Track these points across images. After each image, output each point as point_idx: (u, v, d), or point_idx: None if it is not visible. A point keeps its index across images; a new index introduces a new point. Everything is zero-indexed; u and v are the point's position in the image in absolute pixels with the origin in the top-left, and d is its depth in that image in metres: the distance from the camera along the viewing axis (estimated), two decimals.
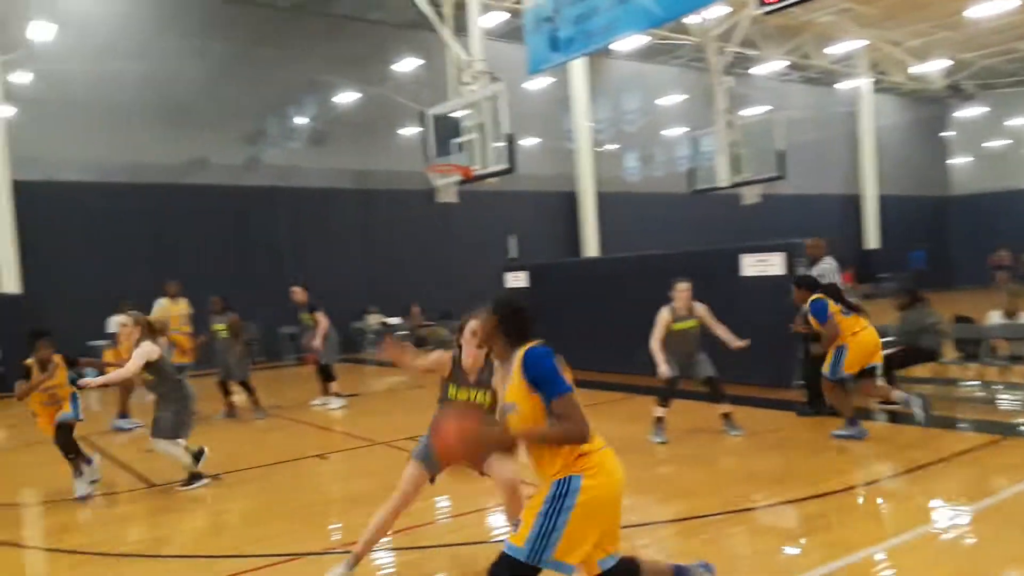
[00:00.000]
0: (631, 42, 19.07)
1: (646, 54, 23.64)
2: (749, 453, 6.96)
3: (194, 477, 6.64)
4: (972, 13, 19.61)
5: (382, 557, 4.62)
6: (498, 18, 17.83)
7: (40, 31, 15.33)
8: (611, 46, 17.14)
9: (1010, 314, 8.93)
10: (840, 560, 4.20)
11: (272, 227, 18.03)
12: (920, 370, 8.87)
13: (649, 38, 19.58)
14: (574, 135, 22.85)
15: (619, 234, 22.35)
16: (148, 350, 6.49)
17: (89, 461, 6.66)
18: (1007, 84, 28.50)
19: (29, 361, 6.54)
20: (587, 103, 22.74)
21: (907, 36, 23.08)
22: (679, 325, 7.56)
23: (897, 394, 7.22)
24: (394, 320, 18.58)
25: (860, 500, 5.52)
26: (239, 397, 10.40)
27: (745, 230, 18.81)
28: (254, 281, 16.46)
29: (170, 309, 10.70)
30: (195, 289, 11.36)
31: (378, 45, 19.82)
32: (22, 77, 15.44)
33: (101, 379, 6.84)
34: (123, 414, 9.90)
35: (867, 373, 7.21)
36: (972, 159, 33.21)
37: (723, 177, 19.49)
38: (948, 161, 34.13)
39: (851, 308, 7.21)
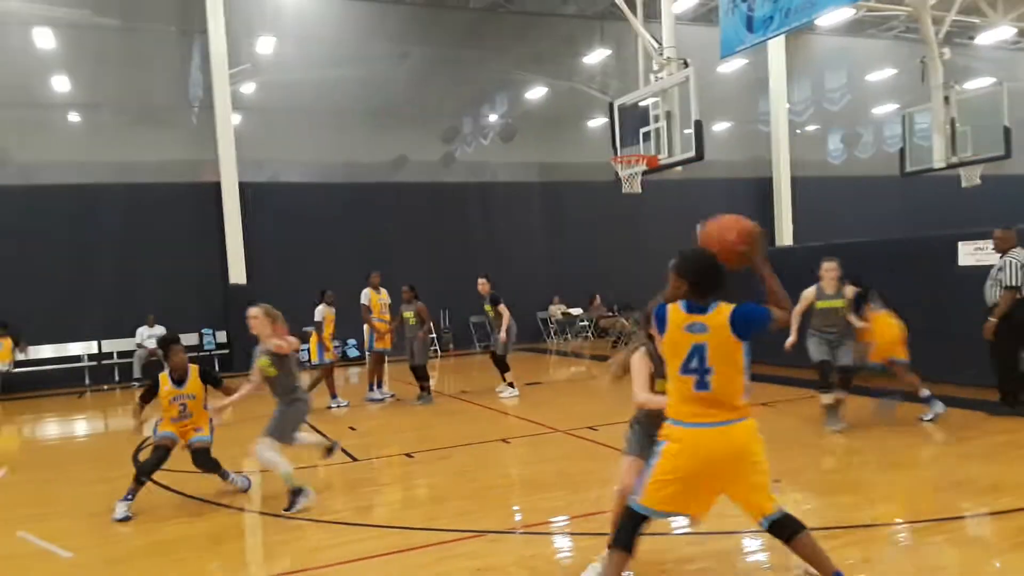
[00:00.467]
0: (835, 16, 17.83)
1: (852, 28, 22.04)
2: (954, 457, 6.35)
3: (296, 493, 5.81)
4: None
5: (560, 541, 4.72)
6: (690, 1, 17.40)
7: (263, 45, 17.15)
8: (814, 22, 16.14)
9: None
10: None
11: (464, 221, 18.81)
12: None
13: (856, 10, 18.23)
14: (770, 118, 21.80)
15: (817, 221, 21.05)
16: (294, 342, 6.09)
17: (225, 476, 6.36)
18: None
19: (162, 375, 6.20)
20: (785, 83, 21.61)
21: None
22: (823, 303, 7.51)
23: None
24: (575, 311, 18.77)
25: None
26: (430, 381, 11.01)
27: (964, 215, 17.05)
28: (448, 273, 17.26)
29: (374, 298, 11.49)
30: (396, 280, 12.09)
31: (568, 38, 20.04)
32: (249, 87, 17.25)
33: (230, 399, 6.12)
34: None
35: None
36: None
37: (939, 157, 17.75)
38: None
39: None
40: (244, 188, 16.64)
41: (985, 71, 22.16)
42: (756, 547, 4.46)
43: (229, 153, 16.47)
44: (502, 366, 11.08)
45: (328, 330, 10.80)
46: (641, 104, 14.42)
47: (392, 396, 11.18)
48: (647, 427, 3.89)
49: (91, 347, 15.72)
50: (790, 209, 21.73)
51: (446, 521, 5.28)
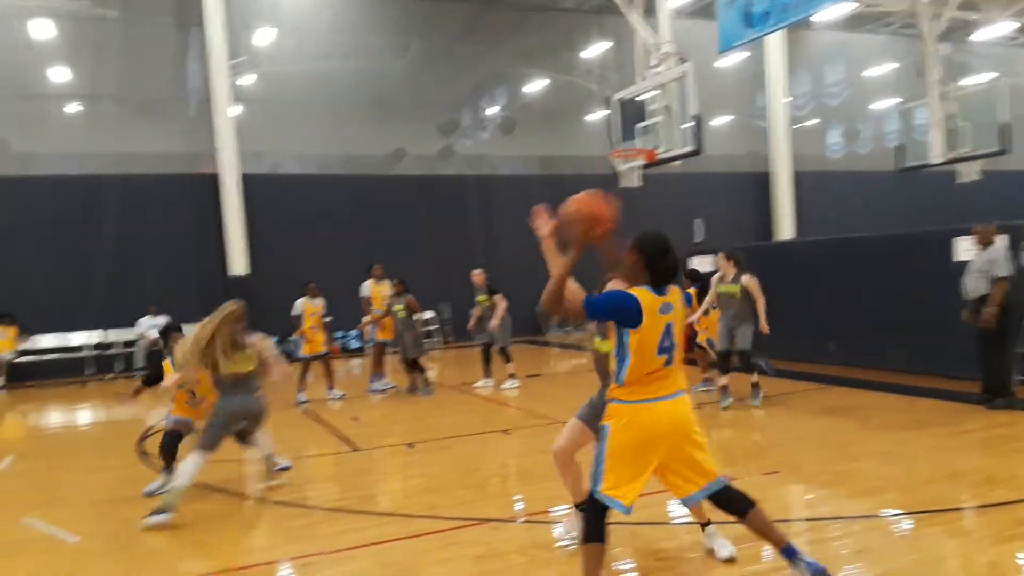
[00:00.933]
0: (833, 11, 17.87)
1: (851, 23, 22.06)
2: (949, 450, 6.43)
3: (161, 511, 5.27)
4: None
5: (560, 529, 4.79)
6: None
7: (263, 37, 17.16)
8: (812, 17, 16.19)
9: None
10: None
11: (463, 214, 18.85)
12: None
13: (855, 5, 18.26)
14: (768, 112, 21.85)
15: (817, 216, 21.15)
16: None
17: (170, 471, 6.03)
18: None
19: (166, 363, 6.33)
20: (784, 78, 21.65)
21: None
22: (723, 288, 8.46)
23: None
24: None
25: None
26: (429, 373, 11.07)
27: (961, 211, 17.15)
28: (447, 265, 17.30)
29: (375, 291, 11.53)
30: (394, 272, 12.13)
31: (566, 33, 20.05)
32: (248, 79, 17.25)
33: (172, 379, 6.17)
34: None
35: None
36: None
37: (937, 153, 17.88)
38: None
39: None
40: (245, 180, 16.65)
41: (984, 67, 22.23)
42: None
43: (228, 145, 16.48)
44: (504, 356, 11.10)
45: (308, 323, 10.68)
46: (639, 98, 14.49)
47: (394, 387, 11.25)
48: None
49: (93, 337, 15.77)
50: (791, 203, 21.80)
51: (447, 509, 5.36)
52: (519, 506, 5.63)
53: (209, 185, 16.58)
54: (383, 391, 11.15)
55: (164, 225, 16.22)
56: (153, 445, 8.13)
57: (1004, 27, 21.19)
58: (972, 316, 7.50)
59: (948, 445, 6.62)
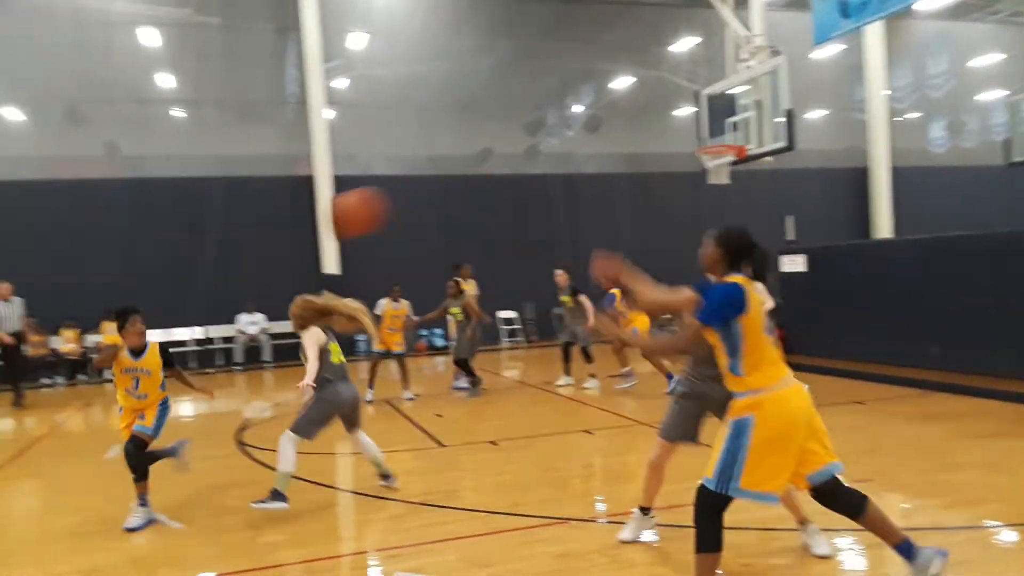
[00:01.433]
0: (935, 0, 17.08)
1: (955, 11, 20.96)
2: None
3: (276, 495, 5.42)
4: None
5: (625, 533, 4.76)
6: None
7: (356, 41, 17.68)
8: (913, 6, 15.49)
9: None
10: None
11: (548, 213, 18.88)
12: None
13: None
14: (867, 105, 21.01)
15: (917, 213, 20.20)
16: (316, 335, 5.82)
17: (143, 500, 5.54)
18: None
19: (114, 339, 5.70)
20: (883, 69, 20.79)
21: None
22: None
23: None
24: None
25: None
26: (511, 372, 11.15)
27: None
28: (530, 264, 17.37)
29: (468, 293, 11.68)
30: (483, 271, 12.30)
31: (655, 27, 19.80)
32: (340, 83, 17.78)
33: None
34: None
35: None
36: None
37: None
38: None
39: None
40: (337, 181, 17.18)
41: None
42: (845, 544, 4.40)
43: (323, 147, 17.05)
44: (586, 356, 11.13)
45: (386, 323, 10.76)
46: (729, 93, 14.18)
47: (482, 386, 11.37)
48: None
49: (195, 332, 16.59)
50: (889, 200, 20.91)
51: (529, 507, 5.41)
52: (601, 506, 5.62)
53: (304, 186, 17.18)
54: (467, 389, 11.29)
55: (261, 225, 16.90)
56: (251, 437, 8.51)
57: None
58: None
59: None
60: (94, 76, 16.21)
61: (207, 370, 16.01)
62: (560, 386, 11.06)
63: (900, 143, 21.26)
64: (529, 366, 14.79)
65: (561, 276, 11.27)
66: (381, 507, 5.70)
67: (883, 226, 20.75)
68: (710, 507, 3.42)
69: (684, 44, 19.69)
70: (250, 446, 8.01)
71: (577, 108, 19.79)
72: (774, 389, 3.38)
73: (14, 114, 16.42)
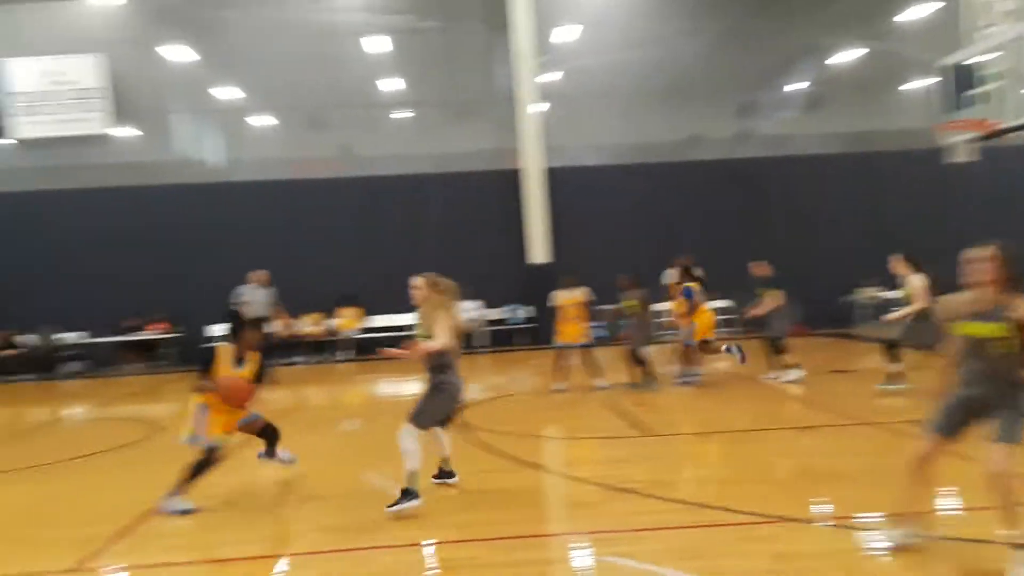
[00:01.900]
0: None
1: None
2: None
3: (408, 494, 5.40)
4: None
5: (871, 537, 4.48)
6: None
7: (563, 34, 17.97)
8: None
9: None
10: None
11: (761, 198, 18.07)
12: None
13: None
14: None
15: None
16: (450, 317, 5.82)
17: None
18: None
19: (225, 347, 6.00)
20: None
21: None
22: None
23: None
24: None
25: None
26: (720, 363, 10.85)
27: None
28: (741, 253, 16.70)
29: (671, 284, 11.51)
30: (699, 260, 11.93)
31: None
32: (549, 76, 18.15)
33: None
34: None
35: None
36: None
37: None
38: None
39: None
40: (548, 173, 17.59)
41: None
42: None
43: (532, 140, 17.51)
44: (774, 348, 10.81)
45: (567, 313, 10.63)
46: (970, 63, 12.75)
47: (699, 378, 11.06)
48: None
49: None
50: None
51: (742, 503, 5.24)
52: (820, 507, 5.34)
53: (514, 179, 17.76)
54: (688, 381, 11.11)
55: (475, 217, 17.71)
56: (468, 416, 8.98)
57: None
58: None
59: None
60: (331, 84, 17.83)
61: None
62: (770, 380, 10.63)
63: None
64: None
65: (759, 267, 11.04)
66: (585, 492, 5.80)
67: None
68: None
69: (915, 12, 17.96)
70: (468, 425, 8.45)
71: (794, 87, 18.74)
72: None
73: (265, 121, 18.50)
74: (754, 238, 17.10)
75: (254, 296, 13.13)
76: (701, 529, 4.81)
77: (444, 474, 6.12)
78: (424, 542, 4.96)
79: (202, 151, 18.44)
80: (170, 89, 18.04)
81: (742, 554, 4.37)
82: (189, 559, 4.87)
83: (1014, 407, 3.86)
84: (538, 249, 17.56)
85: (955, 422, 4.09)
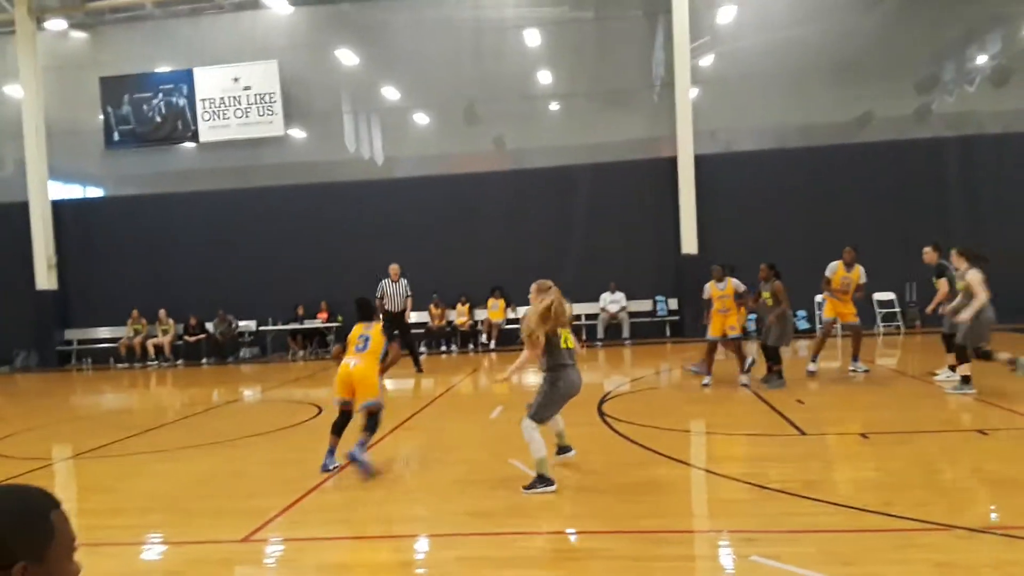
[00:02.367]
0: None
1: None
2: None
3: (542, 479, 5.70)
4: None
5: (1012, 552, 4.07)
6: None
7: (723, 15, 17.42)
8: None
9: None
10: None
11: (939, 182, 16.70)
12: None
13: None
14: None
15: None
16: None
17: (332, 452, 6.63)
18: None
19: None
20: None
21: None
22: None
23: None
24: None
25: None
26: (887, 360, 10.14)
27: None
28: (915, 240, 15.53)
29: (841, 274, 10.88)
30: (862, 248, 11.20)
31: None
32: (706, 60, 17.63)
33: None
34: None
35: None
36: None
37: None
38: None
39: None
40: (698, 161, 17.12)
41: None
42: None
43: (686, 127, 17.09)
44: (949, 347, 9.84)
45: (716, 306, 10.33)
46: None
47: (866, 370, 10.72)
48: None
49: None
50: None
51: (904, 508, 4.90)
52: (993, 516, 4.89)
53: (665, 167, 17.41)
54: (858, 372, 10.70)
55: (624, 207, 17.54)
56: (611, 408, 8.95)
57: None
58: None
59: None
60: (485, 78, 18.24)
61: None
62: (939, 380, 9.83)
63: None
64: (908, 354, 13.31)
65: (929, 254, 10.26)
66: (736, 489, 5.63)
67: None
68: None
69: None
70: (610, 417, 8.43)
71: (979, 60, 17.14)
72: None
73: (423, 119, 19.21)
74: (927, 225, 15.91)
75: (391, 289, 13.68)
76: (855, 534, 4.54)
77: (562, 449, 6.40)
78: (566, 530, 5.01)
79: (366, 149, 19.44)
80: (337, 91, 19.15)
81: (900, 562, 4.09)
82: (341, 534, 5.19)
83: None
84: (689, 239, 17.15)
85: None
